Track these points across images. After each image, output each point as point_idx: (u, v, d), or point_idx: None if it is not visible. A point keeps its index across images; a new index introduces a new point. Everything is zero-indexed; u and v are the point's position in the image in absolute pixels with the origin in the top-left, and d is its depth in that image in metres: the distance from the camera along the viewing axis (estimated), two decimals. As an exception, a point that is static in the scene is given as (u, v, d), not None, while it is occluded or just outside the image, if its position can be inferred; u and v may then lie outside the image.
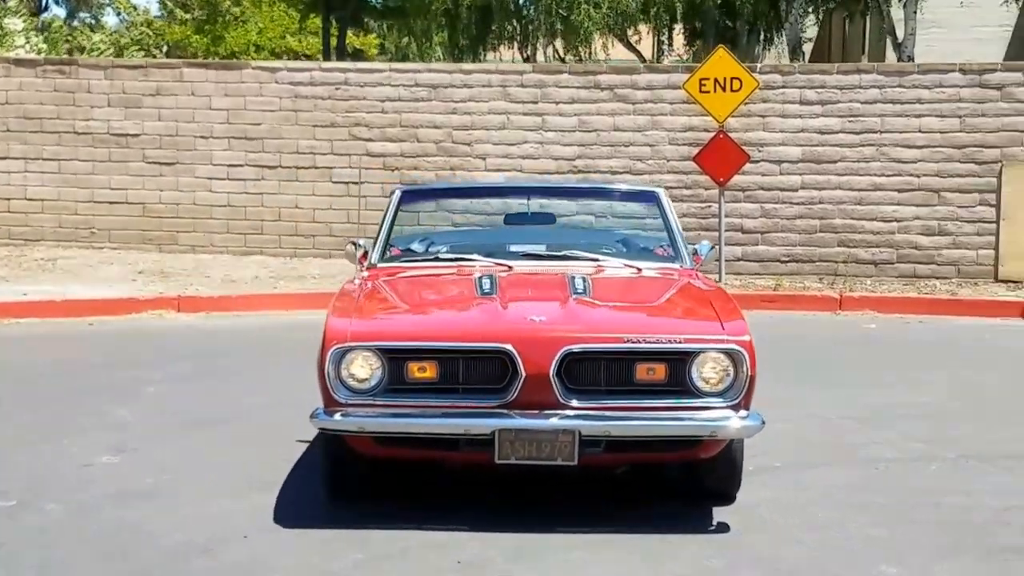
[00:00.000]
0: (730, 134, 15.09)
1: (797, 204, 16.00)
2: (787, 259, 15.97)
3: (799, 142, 15.99)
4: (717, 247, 14.74)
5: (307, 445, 7.69)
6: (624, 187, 9.18)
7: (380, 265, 7.42)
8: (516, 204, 8.25)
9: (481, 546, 5.77)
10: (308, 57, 42.43)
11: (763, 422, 5.93)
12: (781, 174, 16.05)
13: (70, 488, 6.80)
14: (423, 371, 5.98)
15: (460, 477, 6.71)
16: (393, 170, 16.70)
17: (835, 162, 15.92)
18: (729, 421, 5.88)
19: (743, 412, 5.92)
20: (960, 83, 15.66)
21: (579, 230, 9.03)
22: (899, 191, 15.79)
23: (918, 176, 15.76)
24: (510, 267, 7.18)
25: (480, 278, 6.80)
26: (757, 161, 15.83)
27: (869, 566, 5.50)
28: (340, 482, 6.51)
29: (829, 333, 12.81)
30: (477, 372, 5.99)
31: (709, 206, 16.08)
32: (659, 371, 5.94)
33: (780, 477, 6.92)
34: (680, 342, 5.92)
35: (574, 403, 5.89)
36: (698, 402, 5.92)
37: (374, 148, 16.79)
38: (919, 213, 15.75)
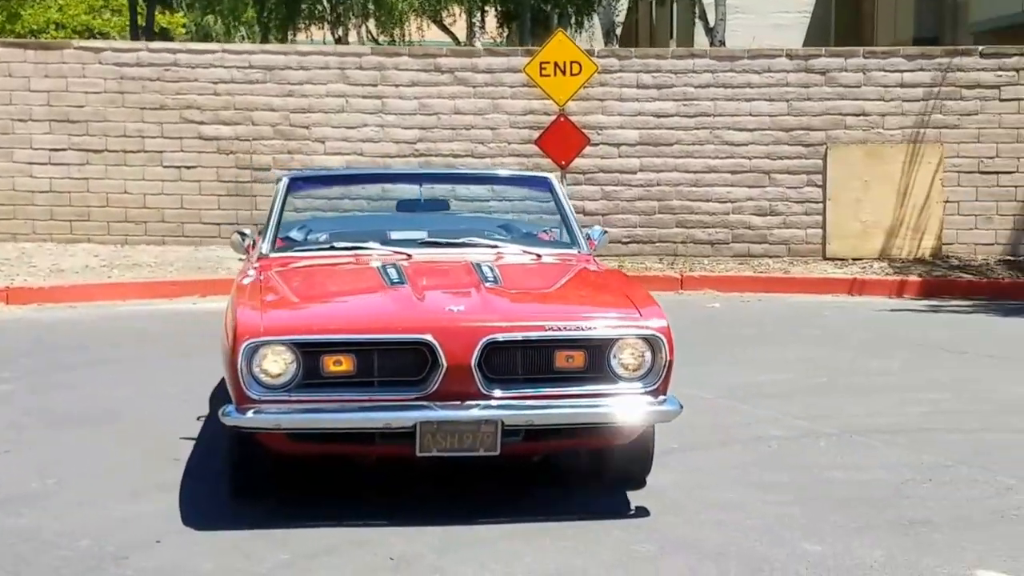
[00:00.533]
0: (570, 117, 15.23)
1: (636, 186, 16.24)
2: (628, 240, 16.20)
3: (636, 125, 16.21)
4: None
5: (192, 443, 7.57)
6: (515, 173, 9.19)
7: (272, 255, 7.30)
8: (403, 191, 8.21)
9: (407, 541, 5.75)
10: (104, 36, 41.29)
11: (681, 407, 6.04)
12: (620, 156, 16.26)
13: None
14: (338, 364, 5.92)
15: (370, 472, 6.68)
16: (228, 154, 16.43)
17: (671, 145, 16.20)
18: (649, 407, 5.97)
19: (661, 397, 6.01)
20: (787, 68, 16.07)
21: (470, 217, 9.02)
22: (732, 173, 16.15)
23: (749, 159, 16.13)
24: (409, 255, 7.13)
25: (384, 267, 6.76)
26: (596, 144, 16.01)
27: (791, 544, 5.65)
28: (246, 480, 6.41)
29: (675, 313, 12.97)
30: (395, 364, 5.94)
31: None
32: (578, 358, 5.99)
33: (679, 459, 7.04)
34: (600, 329, 5.98)
35: (495, 393, 5.90)
36: (617, 388, 5.98)
37: (207, 131, 16.48)
38: (751, 194, 16.13)
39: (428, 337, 5.86)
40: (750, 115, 16.09)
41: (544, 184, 7.96)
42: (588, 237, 7.64)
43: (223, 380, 8.46)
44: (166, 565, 5.51)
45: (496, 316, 6.02)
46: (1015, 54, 15.84)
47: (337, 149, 16.43)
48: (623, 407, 5.96)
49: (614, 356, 5.98)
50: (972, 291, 14.22)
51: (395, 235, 7.53)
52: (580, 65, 15.26)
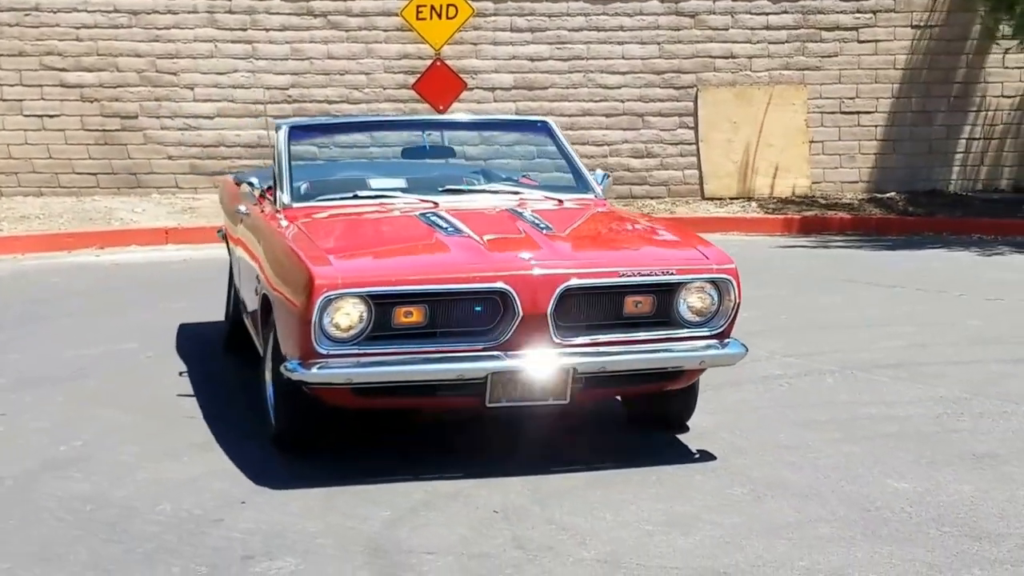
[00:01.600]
0: (446, 62, 15.26)
1: (511, 130, 16.33)
2: (503, 184, 16.30)
3: (511, 69, 16.31)
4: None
5: (193, 399, 7.49)
6: (512, 118, 9.12)
7: (296, 206, 7.18)
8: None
9: (500, 493, 5.80)
10: None
11: (746, 349, 6.22)
12: (495, 101, 16.34)
13: None
14: (408, 316, 5.92)
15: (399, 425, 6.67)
16: (92, 101, 15.95)
17: (546, 88, 16.35)
18: (717, 350, 6.13)
19: (727, 340, 6.18)
20: (658, 11, 16.36)
21: (442, 164, 8.97)
22: (607, 116, 16.39)
23: (623, 101, 16.39)
24: (436, 203, 7.13)
25: (426, 215, 6.77)
26: (472, 89, 16.03)
27: (877, 483, 5.86)
28: (299, 437, 6.40)
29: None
30: (466, 314, 5.98)
31: (429, 135, 16.17)
32: (646, 303, 6.11)
33: (702, 401, 7.17)
34: (672, 273, 6.08)
35: (566, 340, 5.98)
36: (683, 332, 6.12)
37: (69, 79, 15.97)
38: (627, 137, 16.41)
39: (505, 286, 5.90)
40: (623, 58, 16.34)
41: (543, 128, 7.99)
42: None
43: (182, 332, 8.18)
44: (271, 526, 5.47)
45: (570, 263, 6.08)
46: (874, -3, 16.45)
47: (207, 96, 16.12)
48: (692, 351, 6.10)
49: (682, 300, 6.10)
50: (846, 227, 14.80)
51: (409, 183, 7.52)
52: (456, 8, 15.26)
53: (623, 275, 6.05)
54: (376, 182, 7.61)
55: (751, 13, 16.36)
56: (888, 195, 16.33)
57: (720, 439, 6.57)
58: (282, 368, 5.98)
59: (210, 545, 5.29)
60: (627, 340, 6.07)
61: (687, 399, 6.62)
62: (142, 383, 7.97)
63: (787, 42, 16.36)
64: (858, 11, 16.39)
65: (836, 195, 16.35)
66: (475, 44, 16.28)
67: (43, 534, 5.45)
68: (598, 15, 16.33)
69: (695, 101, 16.37)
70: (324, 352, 5.85)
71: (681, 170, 16.45)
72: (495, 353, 5.94)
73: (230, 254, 8.94)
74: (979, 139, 16.47)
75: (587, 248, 6.47)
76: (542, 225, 6.61)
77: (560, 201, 7.34)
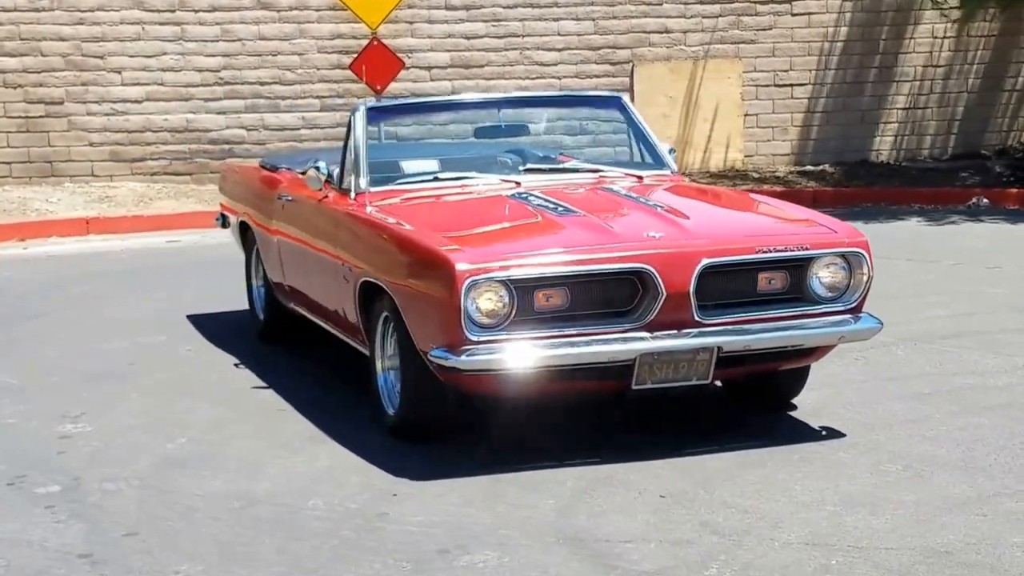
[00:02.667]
0: (383, 41, 15.05)
1: (448, 109, 16.13)
2: (443, 164, 16.10)
3: (447, 47, 16.12)
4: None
5: (268, 390, 7.38)
6: (584, 93, 8.90)
7: (374, 190, 6.98)
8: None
9: (652, 477, 5.75)
10: None
11: (881, 323, 6.20)
12: (432, 80, 16.14)
13: (88, 462, 6.20)
14: (549, 299, 5.83)
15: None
16: (15, 87, 15.33)
17: (482, 67, 16.19)
18: (852, 325, 6.11)
19: (860, 315, 6.15)
20: (593, -14, 16.29)
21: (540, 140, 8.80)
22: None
23: (559, 78, 16.31)
24: (518, 183, 7.01)
25: (524, 196, 6.68)
26: (408, 68, 15.77)
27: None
28: (429, 426, 6.31)
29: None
30: (605, 296, 5.90)
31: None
32: (779, 280, 6.08)
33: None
34: (807, 248, 6.05)
35: (707, 319, 5.91)
36: (818, 308, 6.10)
37: (-11, 64, 15.32)
38: (562, 114, 16.05)
39: (646, 266, 5.81)
40: (558, 35, 16.25)
41: (615, 103, 7.86)
42: None
43: (194, 324, 8.40)
44: (443, 517, 5.35)
45: (705, 241, 6.02)
46: (827, -31, 16.59)
47: (135, 79, 15.62)
48: (831, 327, 6.08)
49: (814, 275, 6.08)
50: (787, 199, 14.93)
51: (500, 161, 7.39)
52: None
53: (759, 251, 6.01)
54: (447, 164, 7.43)
55: (685, -13, 16.39)
56: (820, 167, 16.53)
57: (836, 415, 6.56)
58: (430, 356, 5.83)
59: (393, 539, 5.17)
60: (765, 318, 6.03)
61: (801, 377, 6.59)
62: (205, 376, 7.79)
63: (721, 16, 16.44)
64: (800, -17, 16.54)
65: (769, 168, 16.49)
66: (410, 23, 16.04)
67: (211, 533, 5.31)
68: (533, -9, 16.20)
69: (631, 76, 16.37)
70: (474, 339, 5.70)
71: (614, 147, 16.37)
72: (642, 334, 5.84)
73: (249, 244, 8.68)
74: (908, 108, 16.76)
75: (717, 226, 6.40)
76: (650, 203, 6.53)
77: (640, 178, 7.26)
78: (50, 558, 5.09)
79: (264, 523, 5.37)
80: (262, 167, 8.65)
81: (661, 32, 16.39)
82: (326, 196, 7.22)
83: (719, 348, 5.90)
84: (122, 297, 10.25)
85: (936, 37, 16.71)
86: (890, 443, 6.12)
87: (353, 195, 7.00)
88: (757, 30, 16.49)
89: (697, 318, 5.89)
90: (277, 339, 8.45)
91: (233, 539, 5.21)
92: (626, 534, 5.12)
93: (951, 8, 15.60)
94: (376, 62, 15.28)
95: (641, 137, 7.60)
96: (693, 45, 16.45)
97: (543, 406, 6.59)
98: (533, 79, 16.26)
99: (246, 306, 9.03)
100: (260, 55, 15.86)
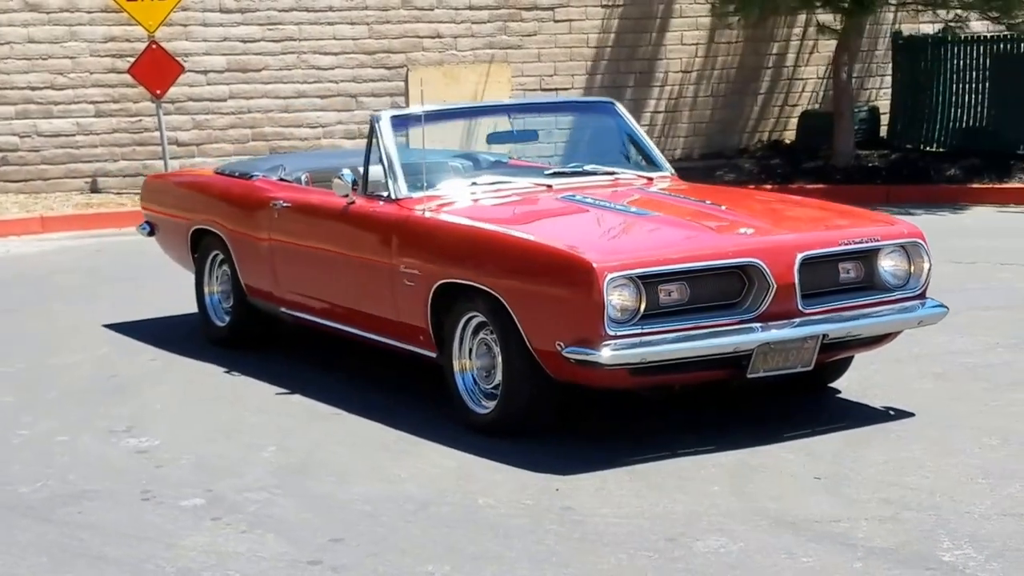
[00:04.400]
0: (161, 44, 14.82)
1: (228, 114, 15.93)
2: (223, 169, 15.84)
3: (223, 51, 15.89)
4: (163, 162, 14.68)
5: (298, 395, 7.31)
6: (576, 100, 9.01)
7: (415, 195, 7.05)
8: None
9: (775, 459, 6.08)
10: None
11: (947, 308, 6.75)
12: (208, 84, 15.87)
13: (199, 474, 6.12)
14: (669, 295, 6.11)
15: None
16: None
17: (260, 71, 16.04)
18: (927, 310, 6.63)
19: (925, 300, 6.69)
20: (362, -9, 16.40)
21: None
22: (321, 98, 16.29)
23: (337, 82, 16.35)
24: (550, 186, 7.24)
25: (579, 198, 6.97)
26: (184, 72, 15.50)
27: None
28: (538, 421, 6.48)
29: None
30: (717, 290, 6.22)
31: (140, 120, 15.58)
32: (854, 270, 6.54)
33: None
34: (878, 239, 6.53)
35: (808, 309, 6.32)
36: (889, 296, 6.59)
37: None
38: (341, 118, 16.37)
39: (756, 260, 6.17)
40: (334, 39, 16.28)
41: (608, 108, 8.11)
42: None
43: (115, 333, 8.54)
44: (633, 509, 5.53)
45: (797, 236, 6.43)
46: (566, -22, 17.21)
47: (-102, 84, 14.67)
48: (909, 313, 6.58)
49: (882, 265, 6.56)
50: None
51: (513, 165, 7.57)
52: None
53: (842, 243, 6.45)
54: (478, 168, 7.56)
55: (454, -7, 16.72)
56: (585, 167, 17.17)
57: (883, 396, 7.01)
58: (565, 352, 5.99)
59: (607, 531, 5.31)
60: (854, 305, 6.47)
61: (847, 362, 7.08)
62: (211, 384, 7.67)
63: (489, 21, 16.84)
64: (552, -9, 17.12)
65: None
66: (185, 26, 15.72)
67: (420, 534, 5.33)
68: (306, -5, 16.16)
69: (406, 81, 16.56)
70: (612, 334, 5.91)
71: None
72: (755, 325, 6.18)
73: (203, 253, 8.51)
74: (664, 112, 17.63)
75: (790, 222, 6.78)
76: (705, 202, 6.93)
77: (650, 179, 7.59)
78: (280, 568, 5.02)
79: (457, 522, 5.44)
80: (229, 175, 8.49)
81: (433, 37, 16.66)
82: (352, 203, 7.23)
83: (824, 335, 6.31)
84: (38, 309, 9.86)
85: (686, 44, 17.65)
86: (970, 419, 6.61)
87: (393, 200, 7.05)
88: (523, 36, 16.98)
89: (801, 308, 6.28)
90: (242, 344, 8.32)
91: (447, 538, 5.27)
92: (829, 515, 5.41)
93: (731, 14, 16.50)
94: (155, 66, 15.07)
95: (637, 140, 7.90)
96: (464, 50, 16.79)
97: (601, 400, 6.84)
98: (311, 83, 16.24)
99: (153, 312, 9.14)
100: (30, 59, 15.23)
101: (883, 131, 17.72)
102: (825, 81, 18.11)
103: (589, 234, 6.55)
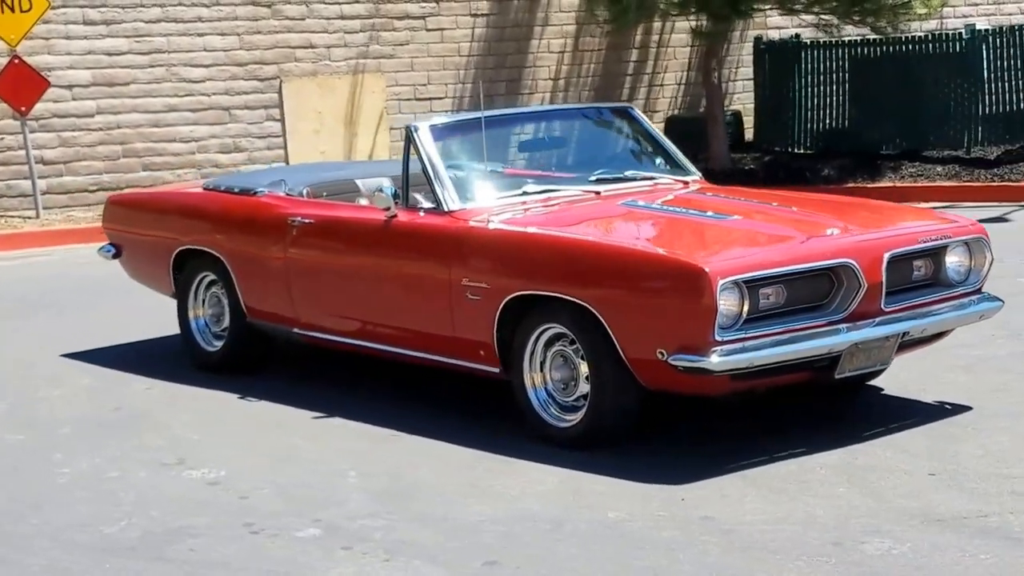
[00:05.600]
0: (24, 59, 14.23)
1: (96, 130, 15.30)
2: (96, 188, 15.21)
3: (88, 65, 15.26)
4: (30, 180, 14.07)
5: (336, 418, 7.02)
6: (594, 105, 8.74)
7: (468, 207, 6.84)
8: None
9: (885, 459, 6.06)
10: None
11: (1003, 302, 6.84)
12: (74, 99, 15.23)
13: (289, 504, 5.82)
14: (768, 298, 6.04)
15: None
16: None
17: (128, 84, 15.45)
18: (987, 304, 6.70)
19: (982, 295, 6.76)
20: (236, 1, 15.94)
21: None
22: (193, 111, 15.78)
23: (208, 95, 15.86)
24: (598, 192, 7.12)
25: (645, 204, 6.84)
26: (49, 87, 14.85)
27: None
28: (621, 431, 6.34)
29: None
30: (809, 292, 6.17)
31: (2, 138, 14.82)
32: (924, 267, 6.57)
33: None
34: (948, 236, 6.57)
35: (889, 307, 6.32)
36: (952, 292, 6.64)
37: None
38: (214, 132, 15.89)
39: (850, 260, 6.14)
40: (205, 50, 15.80)
41: (628, 113, 7.96)
42: None
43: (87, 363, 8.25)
44: (767, 515, 5.44)
45: (879, 235, 6.42)
46: (441, -13, 17.03)
47: None
48: (972, 308, 6.64)
49: (948, 262, 6.61)
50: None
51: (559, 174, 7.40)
52: (31, 1, 14.36)
53: (920, 241, 6.48)
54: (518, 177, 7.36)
55: (325, 3, 16.39)
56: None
57: (928, 390, 7.06)
58: (670, 360, 5.85)
59: (763, 539, 5.21)
60: (925, 302, 6.50)
61: None
62: (235, 411, 7.33)
63: (362, 31, 16.58)
64: (423, 0, 16.92)
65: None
66: (47, 39, 15.05)
67: (575, 554, 5.17)
68: (174, 6, 15.64)
69: (280, 92, 16.18)
70: (720, 340, 5.83)
71: (269, 163, 16.17)
72: (843, 326, 6.15)
73: (188, 276, 8.13)
74: (534, 119, 17.60)
75: (865, 221, 6.76)
76: (772, 204, 6.89)
77: (685, 183, 7.51)
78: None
79: (607, 538, 5.27)
80: (227, 192, 8.08)
81: (306, 47, 16.31)
82: (394, 216, 6.97)
83: (905, 333, 6.33)
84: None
85: (553, 52, 17.67)
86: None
87: (445, 212, 6.82)
88: (396, 45, 16.77)
89: (883, 307, 6.28)
90: (236, 368, 7.96)
91: (610, 555, 5.09)
92: (973, 510, 5.38)
93: (608, 22, 16.56)
94: (20, 82, 14.54)
95: (661, 144, 7.79)
96: (338, 60, 16.49)
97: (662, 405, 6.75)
98: (181, 96, 15.73)
99: (105, 339, 8.79)
100: None
101: (747, 134, 18.04)
102: (685, 87, 18.37)
103: (687, 240, 6.43)
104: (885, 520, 5.34)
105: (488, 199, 6.97)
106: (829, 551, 5.06)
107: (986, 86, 16.14)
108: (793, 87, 17.35)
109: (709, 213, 6.74)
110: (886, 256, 6.24)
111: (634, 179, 7.38)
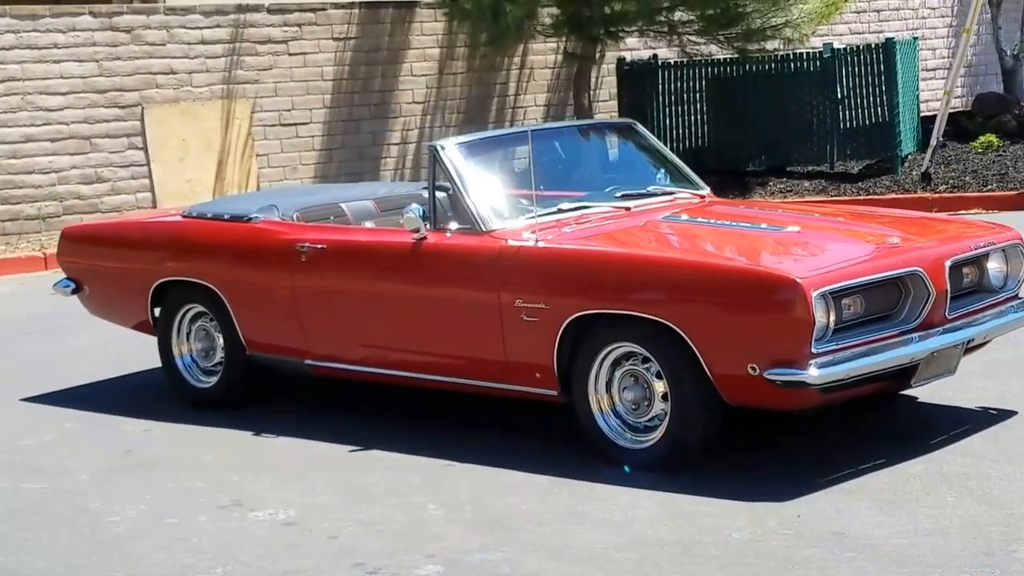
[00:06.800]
0: None
1: (-50, 163, 14.47)
2: (-47, 224, 14.37)
3: (-60, 94, 14.42)
4: None
5: (367, 450, 6.77)
6: (599, 121, 8.42)
7: (507, 227, 6.61)
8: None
9: (966, 467, 6.02)
10: None
11: None
12: (-77, 130, 14.37)
13: (397, 542, 5.50)
14: (849, 308, 5.97)
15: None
16: None
17: (-18, 113, 14.66)
18: None
19: (1021, 300, 6.82)
20: (93, 26, 15.27)
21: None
22: (52, 141, 15.01)
23: (67, 124, 15.13)
24: (628, 208, 6.97)
25: (692, 219, 6.73)
26: None
27: None
28: (697, 449, 6.19)
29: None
30: (883, 301, 6.12)
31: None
32: (971, 274, 6.59)
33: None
34: (993, 244, 6.59)
35: (951, 315, 6.32)
36: (996, 298, 6.67)
37: None
38: (75, 162, 15.15)
39: (919, 268, 6.12)
40: (62, 78, 15.08)
41: (632, 129, 7.80)
42: None
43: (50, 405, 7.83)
44: (888, 528, 5.36)
45: (936, 243, 6.42)
46: (296, 10, 16.61)
47: None
48: (1019, 312, 6.68)
49: (990, 268, 6.65)
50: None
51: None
52: None
53: (973, 248, 6.51)
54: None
55: (186, 27, 15.83)
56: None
57: (958, 396, 7.06)
58: (766, 375, 5.73)
59: (905, 553, 5.12)
60: (979, 308, 6.53)
61: None
62: (281, 447, 6.94)
63: (224, 56, 16.05)
64: (285, 24, 16.47)
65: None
66: None
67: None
68: (28, 32, 14.88)
69: (142, 120, 15.55)
70: (815, 352, 5.74)
71: (134, 193, 15.55)
72: (915, 335, 6.12)
73: (170, 310, 7.70)
74: (399, 144, 17.32)
75: (912, 229, 6.74)
76: (812, 216, 6.88)
77: (701, 196, 7.41)
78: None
79: (751, 559, 5.13)
80: (215, 219, 7.64)
81: (167, 73, 15.71)
82: (423, 239, 6.69)
83: (969, 340, 6.34)
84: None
85: (416, 75, 17.41)
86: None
87: (483, 232, 6.57)
88: (259, 70, 16.28)
89: (947, 315, 6.28)
90: (233, 404, 7.55)
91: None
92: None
93: (486, 44, 16.38)
94: None
95: (668, 159, 7.67)
96: (200, 86, 15.93)
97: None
98: (39, 126, 14.95)
99: (58, 380, 8.35)
100: None
101: (610, 154, 18.08)
102: (547, 108, 18.34)
103: (768, 252, 6.31)
104: (1018, 527, 5.30)
105: (523, 218, 6.73)
106: (983, 560, 5.00)
107: (844, 102, 16.55)
108: (655, 107, 17.48)
109: (763, 225, 6.64)
110: (948, 264, 6.24)
111: (655, 195, 7.25)
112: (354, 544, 5.47)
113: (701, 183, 7.56)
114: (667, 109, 17.48)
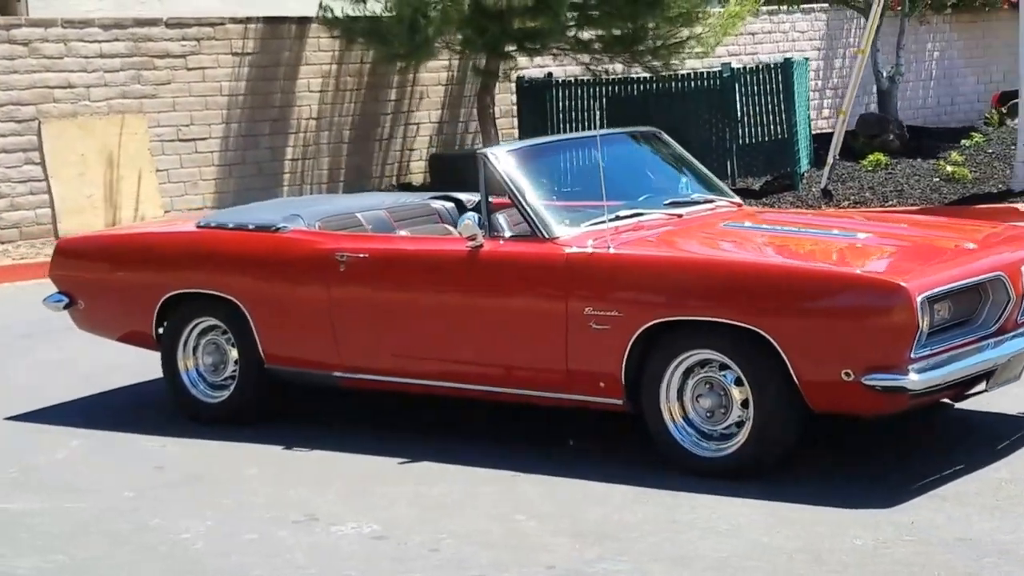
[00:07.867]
0: None
1: None
2: None
3: None
4: None
5: (420, 461, 6.56)
6: (627, 130, 8.16)
7: (572, 235, 6.47)
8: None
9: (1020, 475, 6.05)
10: None
11: None
12: None
13: (497, 560, 5.28)
14: (939, 313, 5.94)
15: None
16: None
17: None
18: None
19: None
20: (-12, 38, 14.71)
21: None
22: (-55, 156, 14.42)
23: (-38, 139, 14.54)
24: (680, 215, 6.90)
25: (766, 227, 6.77)
26: None
27: None
28: (773, 458, 6.09)
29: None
30: (964, 306, 6.09)
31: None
32: None
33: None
34: None
35: (1021, 319, 6.31)
36: None
37: None
38: (-29, 178, 14.56)
39: (1002, 273, 6.13)
40: (-44, 91, 14.47)
41: (656, 137, 7.69)
42: None
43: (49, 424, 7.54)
44: (967, 535, 5.34)
45: (1010, 248, 6.43)
46: (194, 24, 16.20)
47: None
48: None
49: None
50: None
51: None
52: None
53: None
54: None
55: (84, 41, 15.31)
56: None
57: (991, 402, 7.05)
58: (865, 380, 5.67)
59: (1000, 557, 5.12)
60: None
61: None
62: (327, 462, 6.66)
63: (122, 70, 15.56)
64: (184, 39, 16.04)
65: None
66: None
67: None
68: (-77, 44, 14.26)
69: (39, 134, 14.98)
70: (915, 357, 5.72)
71: (33, 210, 14.97)
72: (991, 340, 6.10)
73: (177, 324, 7.39)
74: (297, 159, 16.99)
75: (977, 236, 6.73)
76: (869, 223, 6.97)
77: (738, 204, 7.36)
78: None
79: (883, 569, 5.06)
80: (237, 229, 7.32)
81: (65, 87, 15.18)
82: (479, 247, 6.52)
83: None
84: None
85: (313, 91, 17.12)
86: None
87: (546, 239, 6.43)
88: (157, 84, 15.83)
89: (1019, 319, 6.27)
90: (246, 419, 7.28)
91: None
92: None
93: (401, 58, 16.16)
94: None
95: (696, 167, 7.59)
96: (98, 100, 15.42)
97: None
98: (-69, 141, 14.31)
99: (40, 399, 7.97)
100: None
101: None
102: (439, 125, 18.22)
103: (862, 258, 6.27)
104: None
105: (581, 224, 6.60)
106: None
107: (744, 120, 16.76)
108: (552, 125, 17.46)
109: (835, 231, 6.61)
110: (1023, 268, 6.27)
111: (699, 202, 7.17)
112: (460, 556, 5.28)
113: (729, 191, 7.52)
114: (565, 127, 17.46)
